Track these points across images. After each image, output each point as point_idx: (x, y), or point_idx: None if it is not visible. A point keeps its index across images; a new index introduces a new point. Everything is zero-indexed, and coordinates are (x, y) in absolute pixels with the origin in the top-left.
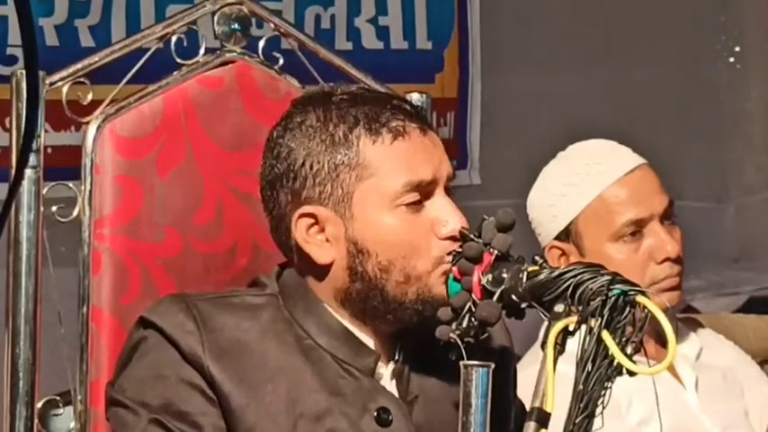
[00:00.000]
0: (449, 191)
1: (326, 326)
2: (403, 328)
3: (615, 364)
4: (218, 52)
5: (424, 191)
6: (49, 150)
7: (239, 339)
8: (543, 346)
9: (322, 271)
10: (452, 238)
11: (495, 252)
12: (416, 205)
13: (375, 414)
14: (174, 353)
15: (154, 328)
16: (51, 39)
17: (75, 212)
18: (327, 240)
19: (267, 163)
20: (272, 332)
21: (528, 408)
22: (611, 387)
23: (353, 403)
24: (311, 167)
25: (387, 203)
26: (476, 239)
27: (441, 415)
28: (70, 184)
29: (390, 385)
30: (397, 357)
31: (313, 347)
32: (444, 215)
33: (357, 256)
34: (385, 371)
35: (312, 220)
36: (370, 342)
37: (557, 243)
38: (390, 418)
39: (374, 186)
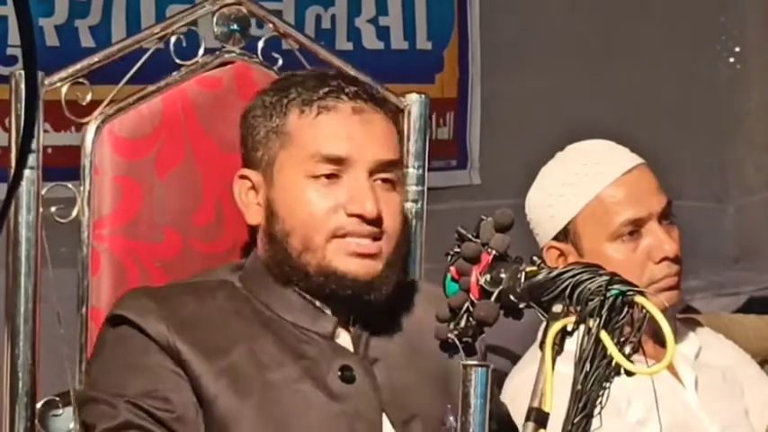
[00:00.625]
0: (377, 177)
1: (281, 295)
2: (348, 298)
3: (613, 364)
4: (217, 53)
5: (342, 168)
6: (49, 151)
7: (200, 314)
8: (541, 346)
9: (260, 237)
10: (359, 217)
11: (493, 252)
12: (329, 179)
13: (339, 373)
14: (139, 338)
15: (119, 322)
16: (51, 39)
17: (74, 213)
18: (258, 204)
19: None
20: (229, 309)
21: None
22: (609, 387)
23: (317, 365)
24: (253, 133)
25: (299, 173)
26: (474, 239)
27: (403, 380)
28: (69, 185)
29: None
30: (353, 324)
31: (272, 318)
32: (356, 194)
33: (270, 219)
34: (345, 336)
35: (249, 183)
36: (326, 309)
37: (555, 243)
38: (354, 374)
39: (292, 154)
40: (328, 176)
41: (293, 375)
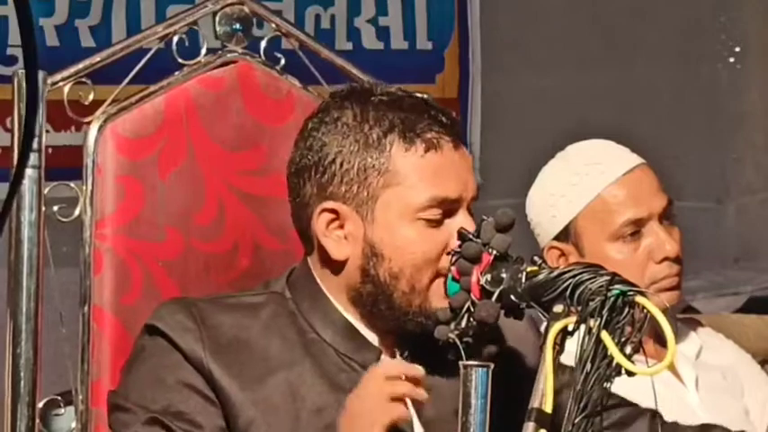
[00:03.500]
0: (470, 211)
1: (331, 320)
2: (406, 331)
3: (614, 364)
4: (219, 52)
5: (448, 208)
6: (50, 150)
7: (238, 336)
8: (542, 346)
9: (336, 266)
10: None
11: (494, 252)
12: (437, 220)
13: None
14: (174, 355)
15: (155, 332)
16: (52, 39)
17: (76, 212)
18: (345, 238)
19: (299, 152)
20: (273, 327)
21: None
22: (610, 387)
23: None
24: (341, 165)
25: (409, 214)
26: (475, 239)
27: (447, 414)
28: (71, 184)
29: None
30: (399, 355)
31: (315, 341)
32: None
33: (371, 258)
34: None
35: (333, 216)
36: (373, 338)
37: (556, 243)
38: None
39: (399, 195)
40: (435, 218)
41: (328, 406)
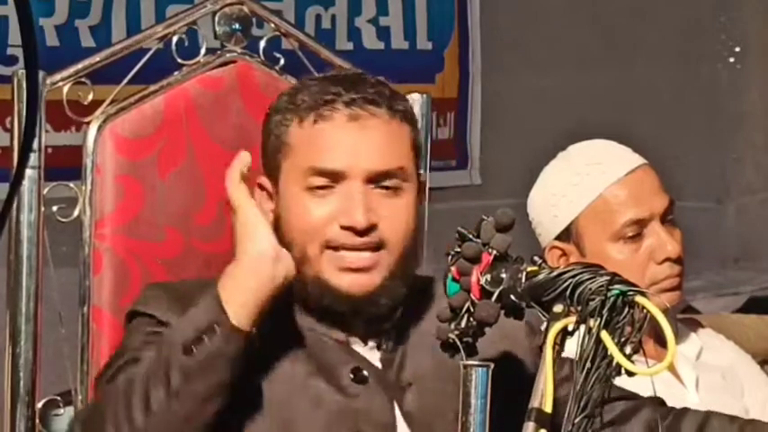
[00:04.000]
0: (392, 187)
1: (298, 301)
2: (382, 317)
3: (614, 364)
4: (218, 52)
5: (338, 179)
6: (50, 150)
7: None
8: (542, 346)
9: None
10: (351, 230)
11: (494, 252)
12: (324, 190)
13: (351, 374)
14: (150, 323)
15: (131, 316)
16: (51, 39)
17: (75, 212)
18: (272, 212)
19: None
20: None
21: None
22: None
23: (328, 365)
24: (266, 141)
25: (297, 184)
26: (474, 239)
27: (435, 405)
28: (71, 184)
29: (377, 361)
30: (384, 346)
31: (291, 321)
32: (347, 206)
33: (277, 230)
34: (374, 358)
35: (262, 190)
36: (345, 327)
37: (557, 243)
38: (366, 374)
39: (291, 166)
40: (324, 187)
41: (303, 371)
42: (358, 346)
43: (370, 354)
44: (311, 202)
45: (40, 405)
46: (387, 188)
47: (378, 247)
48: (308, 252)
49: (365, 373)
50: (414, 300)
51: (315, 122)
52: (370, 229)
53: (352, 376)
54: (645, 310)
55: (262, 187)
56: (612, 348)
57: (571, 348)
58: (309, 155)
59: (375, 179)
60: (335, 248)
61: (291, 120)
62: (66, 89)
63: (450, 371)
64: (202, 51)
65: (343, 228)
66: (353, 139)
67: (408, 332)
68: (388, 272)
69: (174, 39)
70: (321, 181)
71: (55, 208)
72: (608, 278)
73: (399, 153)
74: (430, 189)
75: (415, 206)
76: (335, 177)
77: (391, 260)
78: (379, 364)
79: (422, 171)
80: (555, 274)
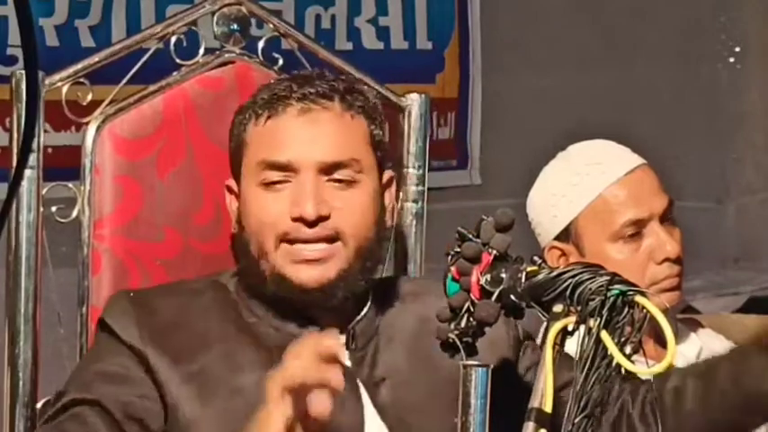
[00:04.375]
0: (345, 180)
1: (267, 301)
2: (349, 315)
3: (614, 364)
4: (217, 53)
5: (290, 173)
6: (49, 150)
7: (177, 318)
8: (542, 346)
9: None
10: (301, 220)
11: (494, 252)
12: (279, 185)
13: None
14: (112, 343)
15: (102, 325)
16: (51, 39)
17: (74, 213)
18: (237, 209)
19: None
20: (213, 309)
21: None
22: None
23: None
24: (230, 143)
25: (251, 179)
26: (474, 239)
27: (410, 398)
28: (70, 185)
29: (354, 371)
30: (353, 345)
31: (256, 322)
32: (297, 198)
33: (237, 228)
34: (344, 357)
35: (233, 194)
36: (314, 321)
37: (556, 243)
38: None
39: (248, 162)
40: (279, 182)
41: (265, 381)
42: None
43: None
44: (266, 197)
45: (39, 405)
46: (340, 180)
47: (332, 238)
48: (265, 247)
49: None
50: (381, 297)
51: (268, 118)
52: (322, 219)
53: None
54: (645, 310)
55: (230, 189)
56: (612, 348)
57: (571, 348)
58: (262, 150)
59: (327, 170)
60: (290, 242)
61: (249, 118)
62: (65, 89)
63: (424, 365)
64: (201, 51)
65: (294, 219)
66: (304, 132)
67: (378, 328)
68: (345, 264)
69: (173, 39)
70: (275, 175)
71: (54, 208)
72: (608, 278)
73: (352, 145)
74: (429, 189)
75: (374, 200)
76: (288, 170)
77: (348, 252)
78: (348, 363)
79: (412, 170)
80: (555, 274)
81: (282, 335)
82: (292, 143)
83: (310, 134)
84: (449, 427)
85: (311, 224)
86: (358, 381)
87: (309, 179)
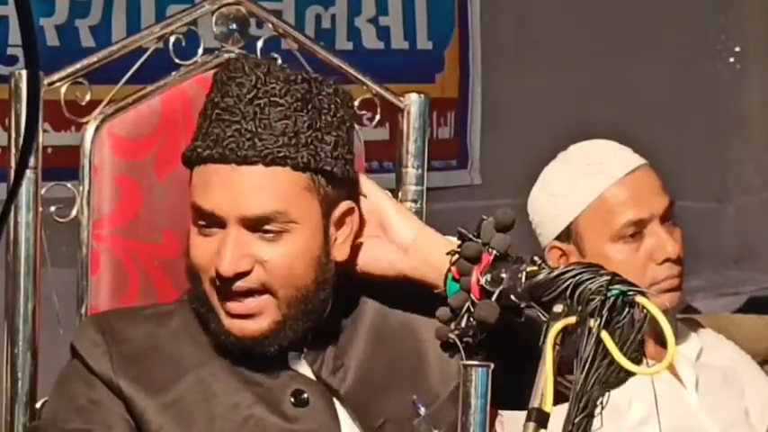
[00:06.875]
0: (275, 231)
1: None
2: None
3: (614, 364)
4: (216, 52)
5: (216, 220)
6: (49, 150)
7: (148, 345)
8: (542, 346)
9: None
10: (220, 277)
11: (494, 252)
12: (206, 229)
13: (292, 399)
14: (84, 374)
15: (73, 353)
16: (52, 39)
17: (73, 213)
18: None
19: None
20: (184, 333)
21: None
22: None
23: (269, 390)
24: None
25: (192, 217)
26: (474, 239)
27: (372, 383)
28: (69, 185)
29: (310, 372)
30: (305, 350)
31: (226, 342)
32: (220, 253)
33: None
34: (299, 362)
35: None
36: None
37: (557, 243)
38: (307, 396)
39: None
40: (207, 227)
41: (245, 402)
42: (295, 362)
43: (307, 368)
44: (201, 239)
45: (38, 406)
46: (268, 231)
47: (259, 291)
48: (203, 286)
49: (305, 395)
50: (342, 300)
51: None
52: (241, 276)
53: (293, 400)
54: (645, 310)
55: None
56: (612, 348)
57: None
58: (196, 192)
59: (253, 225)
60: (219, 290)
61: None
62: (63, 89)
63: (385, 347)
64: (200, 51)
65: (216, 272)
66: (228, 184)
67: (342, 332)
68: (278, 315)
69: (172, 39)
70: (204, 220)
71: (53, 208)
72: (608, 278)
73: (279, 197)
74: (429, 189)
75: (309, 245)
76: (214, 218)
77: (280, 303)
78: (313, 376)
79: (412, 170)
80: (555, 274)
81: (251, 353)
82: (218, 194)
83: (234, 188)
84: (406, 405)
85: (230, 280)
86: (324, 378)
87: (231, 235)
